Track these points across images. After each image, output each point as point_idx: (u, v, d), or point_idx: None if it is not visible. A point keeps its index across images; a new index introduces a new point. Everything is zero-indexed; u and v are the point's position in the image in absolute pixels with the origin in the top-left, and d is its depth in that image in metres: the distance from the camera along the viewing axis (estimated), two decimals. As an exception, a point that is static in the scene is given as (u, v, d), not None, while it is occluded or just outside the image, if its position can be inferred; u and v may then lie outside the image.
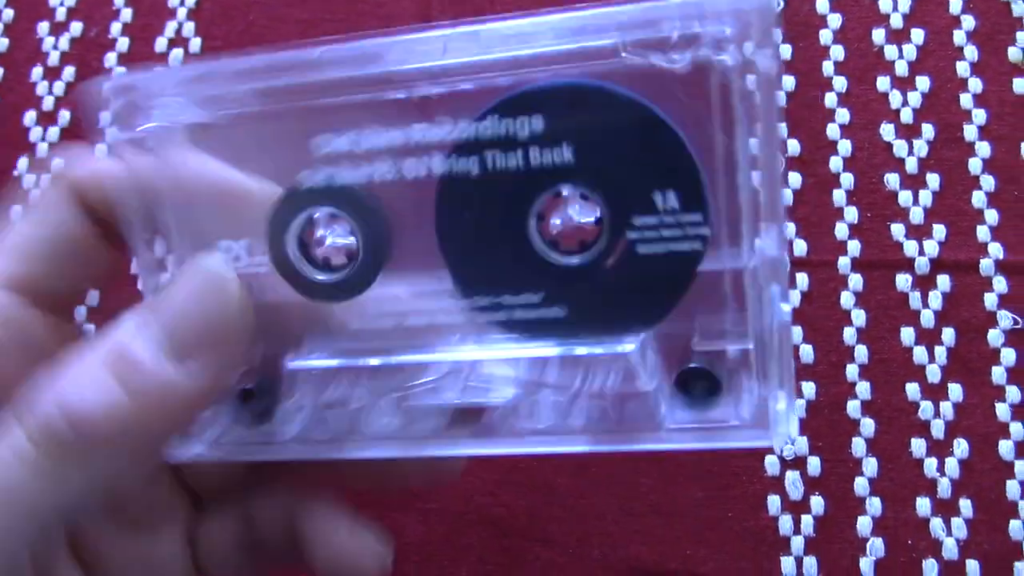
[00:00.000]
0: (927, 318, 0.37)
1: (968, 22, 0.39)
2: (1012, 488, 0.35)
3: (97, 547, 0.26)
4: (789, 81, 0.39)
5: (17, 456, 0.20)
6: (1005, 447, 0.35)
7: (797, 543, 0.35)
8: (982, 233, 0.37)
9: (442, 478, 0.30)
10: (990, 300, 0.37)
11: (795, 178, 0.38)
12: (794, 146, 0.39)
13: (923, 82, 0.39)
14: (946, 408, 0.36)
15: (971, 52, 0.39)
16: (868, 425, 0.36)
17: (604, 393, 0.23)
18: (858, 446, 0.36)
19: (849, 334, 0.37)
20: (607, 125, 0.22)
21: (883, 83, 0.39)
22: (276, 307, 0.24)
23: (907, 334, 0.37)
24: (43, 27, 0.43)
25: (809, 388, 0.36)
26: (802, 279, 0.37)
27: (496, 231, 0.23)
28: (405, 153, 0.23)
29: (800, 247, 0.38)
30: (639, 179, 0.22)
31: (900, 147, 0.38)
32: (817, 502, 0.35)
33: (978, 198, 0.38)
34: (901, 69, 0.39)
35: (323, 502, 0.27)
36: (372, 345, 0.24)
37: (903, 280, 0.37)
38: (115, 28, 0.43)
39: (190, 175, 0.24)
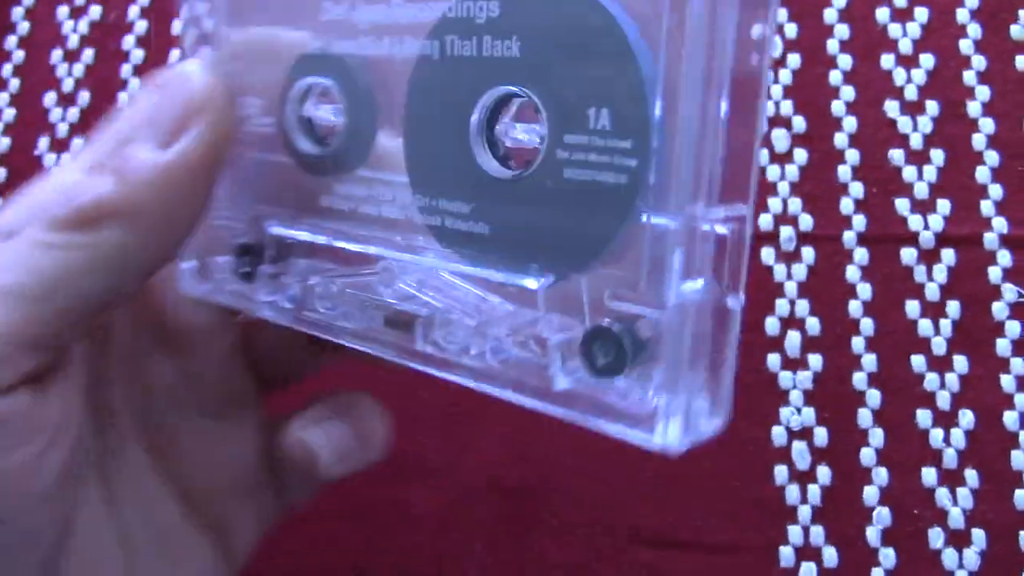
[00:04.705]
0: (932, 291, 0.37)
1: (971, 1, 0.40)
2: (1017, 458, 0.35)
3: (173, 434, 0.27)
4: (794, 59, 0.40)
5: (25, 240, 0.22)
6: (1010, 418, 0.36)
7: (804, 512, 0.35)
8: (986, 208, 0.38)
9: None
10: (994, 274, 0.37)
11: (801, 154, 0.39)
12: (800, 123, 0.39)
13: (927, 60, 0.39)
14: (951, 380, 0.36)
15: (974, 30, 0.39)
16: (874, 396, 0.36)
17: (508, 330, 0.20)
18: (864, 417, 0.36)
19: (855, 307, 0.37)
20: (557, 21, 0.19)
21: (887, 61, 0.39)
22: (273, 167, 0.25)
23: (912, 307, 0.37)
24: (63, 11, 0.44)
25: (816, 360, 0.37)
26: (808, 253, 0.38)
27: (443, 127, 0.21)
28: (388, 31, 0.22)
29: (806, 221, 0.38)
30: (576, 89, 0.19)
31: (904, 123, 0.39)
32: (824, 472, 0.36)
33: (982, 173, 0.38)
34: (905, 47, 0.40)
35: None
36: (333, 226, 0.24)
37: (908, 254, 0.37)
38: (133, 11, 0.44)
39: (233, 36, 0.25)
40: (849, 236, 0.38)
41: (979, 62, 0.39)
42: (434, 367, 0.22)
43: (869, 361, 0.37)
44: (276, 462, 0.29)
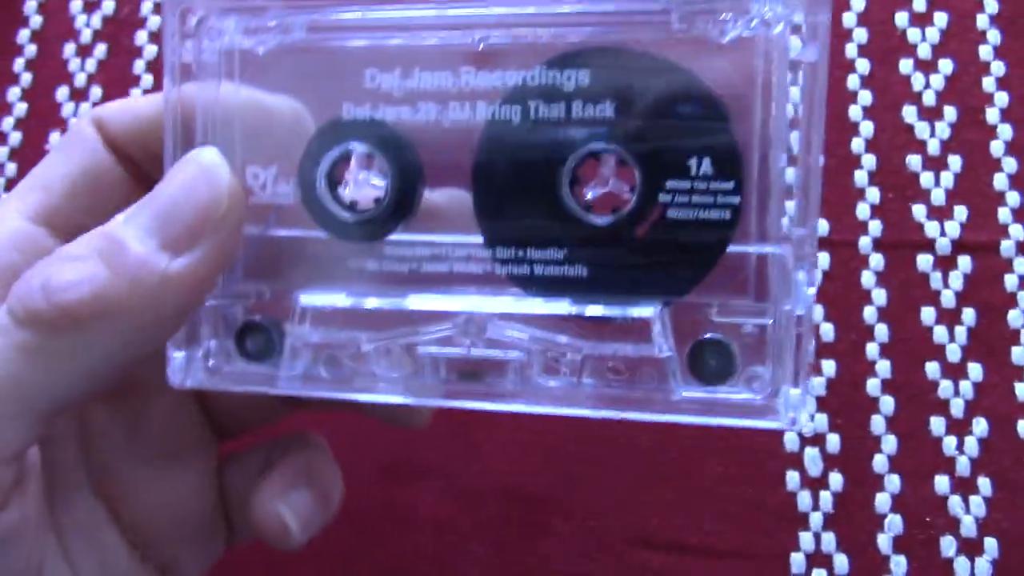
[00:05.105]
0: (948, 298, 0.37)
1: (991, 6, 0.39)
2: (1031, 467, 0.35)
3: (120, 482, 0.26)
4: (812, 63, 0.40)
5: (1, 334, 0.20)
6: (1024, 427, 0.36)
7: (816, 519, 0.35)
8: (1003, 215, 0.37)
9: (411, 424, 0.29)
10: (1011, 281, 0.37)
11: (817, 159, 0.39)
12: (816, 127, 0.39)
13: (946, 65, 0.39)
14: (965, 387, 0.36)
15: (994, 36, 0.39)
16: (888, 403, 0.36)
17: (616, 357, 0.23)
18: (877, 423, 0.36)
19: (869, 313, 0.37)
20: (650, 87, 0.23)
21: (906, 66, 0.39)
22: (294, 240, 0.25)
23: (927, 314, 0.37)
24: (76, 5, 0.44)
25: (829, 366, 0.37)
26: (823, 258, 0.38)
27: (530, 183, 0.23)
28: (451, 98, 0.23)
29: (822, 227, 0.38)
30: (676, 142, 0.23)
31: (922, 129, 0.38)
32: (836, 479, 0.36)
33: (1000, 180, 0.38)
34: (924, 52, 0.39)
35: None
36: (386, 289, 0.24)
37: (924, 260, 0.37)
38: (146, 7, 0.43)
39: (227, 100, 0.24)
40: (865, 242, 0.38)
41: (998, 68, 0.39)
42: (532, 403, 0.23)
43: (883, 367, 0.36)
44: (227, 503, 0.28)
